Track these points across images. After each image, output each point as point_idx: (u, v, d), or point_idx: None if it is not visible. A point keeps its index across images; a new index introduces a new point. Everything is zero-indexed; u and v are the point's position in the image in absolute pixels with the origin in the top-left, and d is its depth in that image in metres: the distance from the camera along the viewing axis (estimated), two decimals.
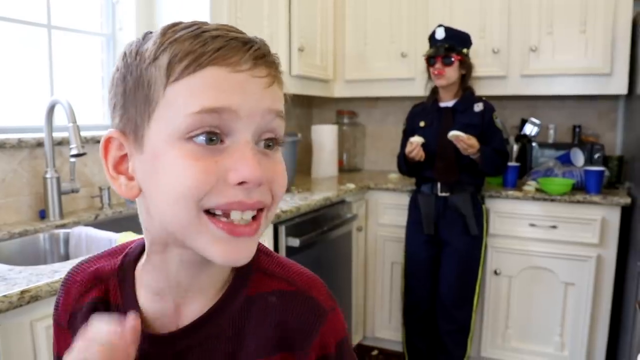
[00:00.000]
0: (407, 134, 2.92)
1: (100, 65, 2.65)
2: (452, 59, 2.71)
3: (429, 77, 2.83)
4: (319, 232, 2.59)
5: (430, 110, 2.85)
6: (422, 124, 2.85)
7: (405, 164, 2.87)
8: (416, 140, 2.72)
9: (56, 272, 1.42)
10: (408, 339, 3.03)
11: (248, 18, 2.71)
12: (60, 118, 2.13)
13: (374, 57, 3.56)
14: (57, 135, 2.14)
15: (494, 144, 2.73)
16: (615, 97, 3.33)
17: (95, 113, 2.64)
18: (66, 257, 2.01)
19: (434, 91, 2.88)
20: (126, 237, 1.92)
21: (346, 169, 3.96)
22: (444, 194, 2.78)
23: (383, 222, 3.28)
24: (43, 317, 1.34)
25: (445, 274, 2.84)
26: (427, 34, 2.87)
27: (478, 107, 2.77)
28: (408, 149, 2.73)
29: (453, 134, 2.61)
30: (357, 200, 3.17)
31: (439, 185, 2.79)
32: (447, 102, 2.82)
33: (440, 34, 2.74)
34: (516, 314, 2.99)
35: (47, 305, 1.34)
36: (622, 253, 2.83)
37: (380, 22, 3.52)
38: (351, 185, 3.09)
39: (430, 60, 2.76)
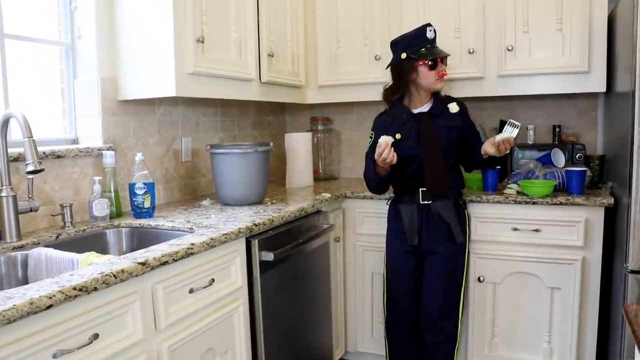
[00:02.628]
0: (375, 146, 2.59)
1: (59, 76, 2.52)
2: (447, 59, 2.63)
3: (407, 82, 2.63)
4: (295, 245, 2.48)
5: (404, 119, 2.66)
6: (398, 136, 2.61)
7: (376, 178, 2.62)
8: (385, 140, 2.41)
9: (9, 298, 1.27)
10: (392, 353, 2.92)
11: (214, 23, 2.60)
12: (17, 132, 2.02)
13: (347, 60, 3.48)
14: (13, 151, 2.07)
15: (475, 140, 2.69)
16: (594, 95, 3.29)
17: (55, 126, 2.51)
18: (25, 281, 1.90)
19: (401, 98, 2.70)
20: (89, 257, 1.81)
21: (322, 178, 3.88)
22: (426, 202, 2.66)
23: (361, 231, 3.18)
24: None
25: (429, 283, 2.72)
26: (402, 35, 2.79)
27: (453, 107, 2.67)
28: (378, 152, 2.46)
29: (502, 137, 2.45)
30: (333, 209, 3.07)
31: (420, 192, 2.65)
32: (421, 108, 2.68)
33: (432, 34, 2.61)
34: (502, 322, 2.92)
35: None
36: (608, 255, 2.77)
37: (352, 25, 3.44)
38: (326, 195, 2.99)
39: (431, 62, 2.56)
